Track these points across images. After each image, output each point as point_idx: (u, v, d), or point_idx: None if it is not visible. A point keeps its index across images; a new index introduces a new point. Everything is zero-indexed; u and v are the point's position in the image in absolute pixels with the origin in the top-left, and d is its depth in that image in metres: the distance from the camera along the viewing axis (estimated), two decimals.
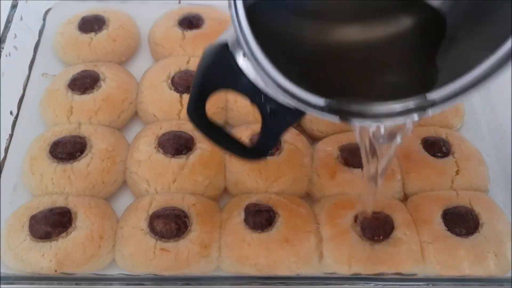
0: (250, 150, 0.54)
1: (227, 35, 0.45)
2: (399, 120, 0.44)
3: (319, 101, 0.43)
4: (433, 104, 0.41)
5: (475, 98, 0.83)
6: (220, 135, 0.54)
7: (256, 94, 0.47)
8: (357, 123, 0.46)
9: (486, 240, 0.65)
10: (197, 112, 0.51)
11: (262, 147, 0.53)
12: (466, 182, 0.72)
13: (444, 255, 0.65)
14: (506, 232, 0.67)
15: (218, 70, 0.47)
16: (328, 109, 0.43)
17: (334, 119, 0.43)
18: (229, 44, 0.45)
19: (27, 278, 0.60)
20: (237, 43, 0.43)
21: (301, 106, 0.44)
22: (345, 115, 0.43)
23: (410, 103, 0.42)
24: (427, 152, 0.73)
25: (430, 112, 0.42)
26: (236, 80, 0.46)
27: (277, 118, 0.49)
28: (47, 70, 0.81)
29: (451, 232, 0.66)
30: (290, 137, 0.73)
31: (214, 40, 0.47)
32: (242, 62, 0.45)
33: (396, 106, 0.42)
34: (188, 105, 0.51)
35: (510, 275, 0.64)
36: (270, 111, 0.48)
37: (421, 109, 0.42)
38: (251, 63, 0.42)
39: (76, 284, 0.58)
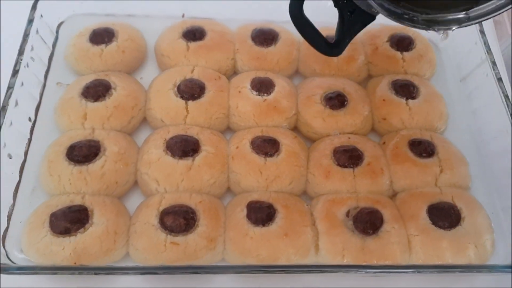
0: (331, 45, 0.65)
1: None
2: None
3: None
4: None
5: (457, 104, 0.89)
6: (311, 32, 0.64)
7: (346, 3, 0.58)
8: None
9: (467, 232, 0.70)
10: (297, 9, 0.61)
11: (340, 44, 0.64)
12: (449, 180, 0.77)
13: (429, 246, 0.70)
14: (485, 226, 0.72)
15: None
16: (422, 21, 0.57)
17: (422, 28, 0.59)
18: None
19: (52, 268, 0.64)
20: None
21: (388, 15, 0.56)
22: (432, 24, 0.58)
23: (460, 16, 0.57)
24: (413, 153, 0.78)
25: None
26: None
27: (354, 19, 0.62)
28: (61, 80, 0.86)
29: (435, 226, 0.71)
30: (288, 140, 0.79)
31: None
32: None
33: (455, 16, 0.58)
34: (291, 4, 0.61)
35: (487, 263, 0.69)
36: (350, 12, 0.61)
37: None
38: None
39: (95, 274, 0.62)
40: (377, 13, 0.59)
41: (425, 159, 0.78)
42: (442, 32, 0.66)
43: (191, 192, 0.73)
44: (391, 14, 0.58)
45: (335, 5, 0.62)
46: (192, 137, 0.77)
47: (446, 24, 0.60)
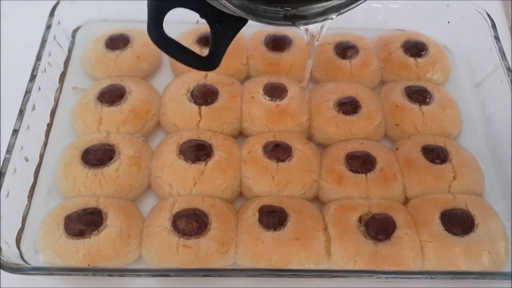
0: (204, 60, 0.60)
1: None
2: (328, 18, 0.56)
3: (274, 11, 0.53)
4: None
5: (472, 110, 0.89)
6: (178, 50, 0.59)
7: (204, 8, 0.54)
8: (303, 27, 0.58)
9: (480, 239, 0.70)
10: (157, 31, 0.56)
11: (215, 57, 0.59)
12: (463, 187, 0.77)
13: (442, 252, 0.69)
14: (499, 232, 0.72)
15: None
16: (282, 17, 0.54)
17: (284, 25, 0.55)
18: None
19: (66, 269, 0.65)
20: None
21: (254, 18, 0.53)
22: (293, 20, 0.55)
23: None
24: (426, 159, 0.78)
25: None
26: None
27: (224, 28, 0.58)
28: (76, 84, 0.88)
29: (448, 232, 0.70)
30: (300, 145, 0.79)
31: None
32: None
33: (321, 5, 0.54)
34: (148, 26, 0.56)
35: (502, 270, 0.69)
36: (217, 21, 0.57)
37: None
38: None
39: (108, 276, 0.63)
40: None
41: (438, 165, 0.77)
42: (303, 27, 0.61)
43: (203, 196, 0.74)
44: (248, 13, 0.54)
45: (202, 17, 0.59)
46: (205, 142, 0.77)
47: (309, 19, 0.57)
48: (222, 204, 0.73)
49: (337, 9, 0.57)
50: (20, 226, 0.70)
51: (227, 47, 0.60)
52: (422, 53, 0.91)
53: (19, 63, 0.85)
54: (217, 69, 0.86)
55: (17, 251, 0.68)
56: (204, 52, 0.87)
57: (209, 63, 0.60)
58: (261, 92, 0.84)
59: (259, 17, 0.55)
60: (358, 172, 0.76)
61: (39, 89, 0.80)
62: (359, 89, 0.86)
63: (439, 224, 0.71)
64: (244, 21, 0.58)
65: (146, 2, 0.93)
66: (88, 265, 0.67)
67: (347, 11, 0.57)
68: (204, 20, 0.93)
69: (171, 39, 0.58)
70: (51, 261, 0.68)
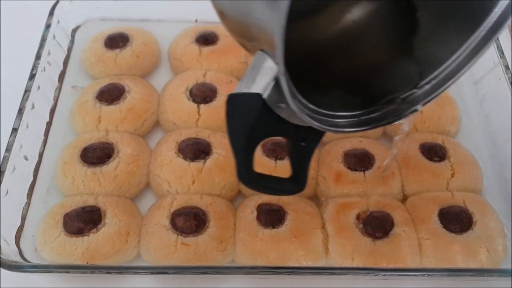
0: (291, 182, 0.54)
1: (256, 87, 0.46)
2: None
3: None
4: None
5: (470, 107, 0.89)
6: (265, 183, 0.53)
7: (288, 131, 0.51)
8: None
9: (479, 236, 0.70)
10: (248, 171, 0.49)
11: (300, 175, 0.54)
12: (461, 184, 0.77)
13: (440, 250, 0.69)
14: (497, 230, 0.72)
15: (259, 123, 0.47)
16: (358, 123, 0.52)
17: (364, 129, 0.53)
18: (265, 97, 0.46)
19: (65, 267, 0.65)
20: (277, 97, 0.45)
21: (334, 130, 0.51)
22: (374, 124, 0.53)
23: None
24: (424, 157, 0.78)
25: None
26: (274, 127, 0.49)
27: (307, 143, 0.54)
28: (76, 83, 0.88)
29: (446, 230, 0.70)
30: None
31: (236, 92, 0.46)
32: (279, 109, 0.48)
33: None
34: (239, 168, 0.49)
35: (499, 267, 0.69)
36: (302, 139, 0.53)
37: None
38: (292, 108, 0.45)
39: (106, 273, 0.63)
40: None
41: (436, 163, 0.78)
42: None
43: (202, 194, 0.74)
44: (331, 126, 0.51)
45: (287, 139, 0.54)
46: (204, 140, 0.78)
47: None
48: (220, 202, 0.73)
49: (424, 97, 0.54)
50: (19, 224, 0.71)
51: (310, 160, 0.56)
52: None
53: (18, 62, 0.85)
54: (216, 67, 0.88)
55: (16, 249, 0.68)
56: (204, 50, 0.89)
57: (297, 184, 0.55)
58: None
59: (340, 127, 0.53)
60: (356, 170, 0.76)
61: (39, 88, 0.80)
62: None
63: (437, 222, 0.71)
64: (323, 134, 0.54)
65: (145, 0, 0.95)
66: (87, 263, 0.67)
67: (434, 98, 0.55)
68: (202, 19, 0.96)
69: (259, 175, 0.51)
70: (50, 259, 0.68)
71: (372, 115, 0.55)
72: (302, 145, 0.53)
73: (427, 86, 0.54)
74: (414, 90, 0.54)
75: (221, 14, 0.49)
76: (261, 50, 0.45)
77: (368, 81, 0.56)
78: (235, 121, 0.47)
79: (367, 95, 0.55)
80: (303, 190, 0.55)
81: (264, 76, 0.45)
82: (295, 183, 0.54)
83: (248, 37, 0.47)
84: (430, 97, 0.54)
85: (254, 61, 0.46)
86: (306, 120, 0.47)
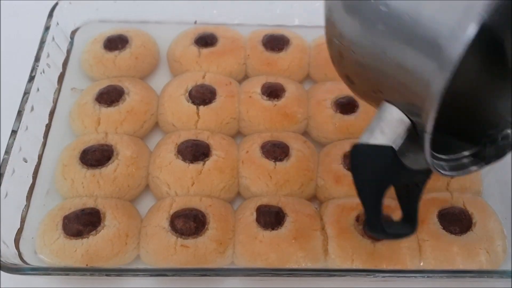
0: (403, 225, 0.55)
1: (384, 138, 0.47)
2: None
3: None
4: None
5: None
6: (394, 231, 0.54)
7: (408, 176, 0.51)
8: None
9: (478, 238, 0.70)
10: (378, 222, 0.50)
11: (412, 217, 0.55)
12: (460, 185, 0.77)
13: (439, 251, 0.69)
14: (497, 231, 0.72)
15: (388, 172, 0.48)
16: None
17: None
18: (395, 148, 0.47)
19: (64, 269, 0.65)
20: (407, 148, 0.46)
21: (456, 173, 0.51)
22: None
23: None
24: None
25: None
26: (399, 174, 0.49)
27: (418, 187, 0.54)
28: (75, 85, 0.88)
29: (446, 231, 0.70)
30: (298, 144, 0.79)
31: (364, 143, 0.48)
32: (404, 158, 0.47)
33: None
34: (369, 218, 0.50)
35: (499, 268, 0.69)
36: (416, 183, 0.54)
37: None
38: (427, 160, 0.46)
39: (106, 275, 0.63)
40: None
41: None
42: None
43: (201, 196, 0.74)
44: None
45: (407, 184, 0.54)
46: (203, 142, 0.78)
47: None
48: (220, 204, 0.73)
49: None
50: (19, 226, 0.71)
51: (420, 200, 0.57)
52: None
53: (17, 64, 0.85)
54: (215, 68, 0.88)
55: (16, 251, 0.68)
56: (203, 52, 0.89)
57: (411, 226, 0.55)
58: (259, 92, 0.84)
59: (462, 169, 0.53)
60: None
61: (38, 90, 0.80)
62: None
63: (436, 223, 0.71)
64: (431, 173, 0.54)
65: (145, 2, 0.95)
66: (86, 265, 0.67)
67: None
68: (201, 21, 0.96)
69: (385, 223, 0.52)
70: (50, 261, 0.68)
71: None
72: (413, 188, 0.54)
73: None
74: None
75: (358, 63, 0.48)
76: (387, 101, 0.46)
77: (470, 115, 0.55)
78: (364, 171, 0.49)
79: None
80: (416, 231, 0.56)
81: (395, 128, 0.46)
82: (409, 224, 0.55)
83: (375, 88, 0.48)
84: None
85: (381, 113, 0.47)
86: (432, 166, 0.47)
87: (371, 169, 0.48)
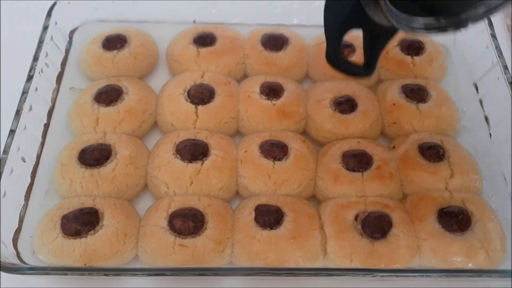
0: (363, 68, 0.67)
1: None
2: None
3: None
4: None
5: (469, 108, 0.88)
6: (346, 66, 0.66)
7: (369, 25, 0.57)
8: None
9: (477, 237, 0.70)
10: (337, 54, 0.62)
11: (371, 63, 0.66)
12: (460, 184, 0.76)
13: (438, 250, 0.69)
14: (496, 230, 0.71)
15: (350, 16, 0.58)
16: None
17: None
18: None
19: (62, 269, 0.65)
20: None
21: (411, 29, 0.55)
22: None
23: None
24: (423, 157, 0.78)
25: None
26: (360, 21, 0.59)
27: (381, 39, 0.64)
28: (73, 85, 0.88)
29: (445, 230, 0.70)
30: (297, 144, 0.79)
31: None
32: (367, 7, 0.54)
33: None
34: (329, 51, 0.62)
35: (498, 268, 0.69)
36: (378, 34, 0.64)
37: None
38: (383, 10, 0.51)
39: (104, 275, 0.63)
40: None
41: (435, 163, 0.77)
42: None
43: (199, 195, 0.74)
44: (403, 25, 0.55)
45: (364, 31, 0.64)
46: (202, 141, 0.77)
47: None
48: (218, 204, 0.73)
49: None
50: (17, 226, 0.71)
51: (382, 52, 0.66)
52: (419, 52, 0.91)
53: (16, 64, 0.85)
54: (214, 68, 0.88)
55: (14, 251, 0.68)
56: (201, 52, 0.89)
57: (368, 69, 0.67)
58: (258, 91, 0.84)
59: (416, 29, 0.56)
60: (355, 171, 0.76)
61: (36, 89, 0.80)
62: (355, 87, 0.86)
63: (436, 222, 0.71)
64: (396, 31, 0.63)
65: (144, 1, 0.95)
66: (85, 264, 0.67)
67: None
68: (200, 20, 0.96)
69: (343, 59, 0.66)
70: (48, 261, 0.68)
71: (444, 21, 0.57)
72: (377, 39, 0.64)
73: None
74: None
75: None
76: None
77: None
78: (331, 11, 0.60)
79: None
80: (372, 74, 0.68)
81: None
82: (366, 68, 0.67)
83: None
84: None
85: None
86: (388, 18, 0.52)
87: (337, 10, 0.59)
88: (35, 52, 0.82)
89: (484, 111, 0.88)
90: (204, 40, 0.90)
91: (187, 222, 0.69)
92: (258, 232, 0.70)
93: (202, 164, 0.75)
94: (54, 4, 0.89)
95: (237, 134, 0.85)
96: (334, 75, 0.89)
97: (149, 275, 0.64)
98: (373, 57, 0.66)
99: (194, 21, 0.96)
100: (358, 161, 0.77)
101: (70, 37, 0.94)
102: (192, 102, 0.82)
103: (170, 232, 0.69)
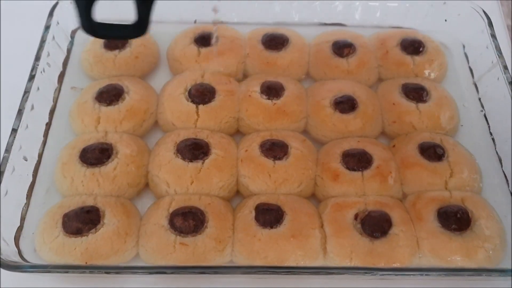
0: (135, 29, 0.62)
1: None
2: None
3: None
4: None
5: (469, 107, 0.89)
6: (109, 30, 0.62)
7: None
8: None
9: (477, 236, 0.70)
10: (89, 21, 0.59)
11: (142, 24, 0.62)
12: (459, 183, 0.77)
13: (438, 249, 0.70)
14: (496, 229, 0.71)
15: None
16: None
17: None
18: None
19: (63, 267, 0.65)
20: None
21: None
22: None
23: None
24: (423, 156, 0.78)
25: None
26: None
27: None
28: (75, 84, 0.88)
29: (445, 229, 0.71)
30: (297, 143, 0.79)
31: None
32: None
33: None
34: (81, 18, 0.59)
35: (498, 266, 0.69)
36: None
37: None
38: None
39: (105, 273, 0.64)
40: None
41: (435, 162, 0.77)
42: None
43: (200, 194, 0.74)
44: None
45: None
46: (202, 140, 0.78)
47: None
48: (219, 202, 0.74)
49: None
50: (19, 224, 0.71)
51: (151, 12, 0.63)
52: (419, 51, 0.92)
53: (18, 63, 0.85)
54: (215, 67, 0.88)
55: (16, 249, 0.69)
56: (202, 51, 0.89)
57: (140, 29, 0.63)
58: (258, 90, 0.84)
59: None
60: (355, 170, 0.76)
61: (38, 89, 0.80)
62: (356, 87, 0.87)
63: (435, 221, 0.71)
64: None
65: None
66: (86, 263, 0.67)
67: None
68: (200, 20, 0.96)
69: (100, 24, 0.61)
70: (50, 259, 0.68)
71: None
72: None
73: None
74: None
75: None
76: None
77: None
78: None
79: None
80: (144, 34, 0.63)
81: None
82: (137, 28, 0.62)
83: None
84: None
85: None
86: None
87: None
88: (37, 51, 0.83)
89: (484, 110, 0.88)
90: (205, 40, 0.90)
91: (188, 220, 0.69)
92: (258, 230, 0.70)
93: (203, 163, 0.76)
94: (56, 4, 0.90)
95: (237, 133, 0.85)
96: (335, 75, 0.90)
97: (150, 273, 0.65)
98: (144, 12, 0.61)
99: (195, 21, 0.97)
100: (358, 160, 0.77)
101: (72, 37, 0.94)
102: (193, 101, 0.83)
103: (171, 231, 0.69)
